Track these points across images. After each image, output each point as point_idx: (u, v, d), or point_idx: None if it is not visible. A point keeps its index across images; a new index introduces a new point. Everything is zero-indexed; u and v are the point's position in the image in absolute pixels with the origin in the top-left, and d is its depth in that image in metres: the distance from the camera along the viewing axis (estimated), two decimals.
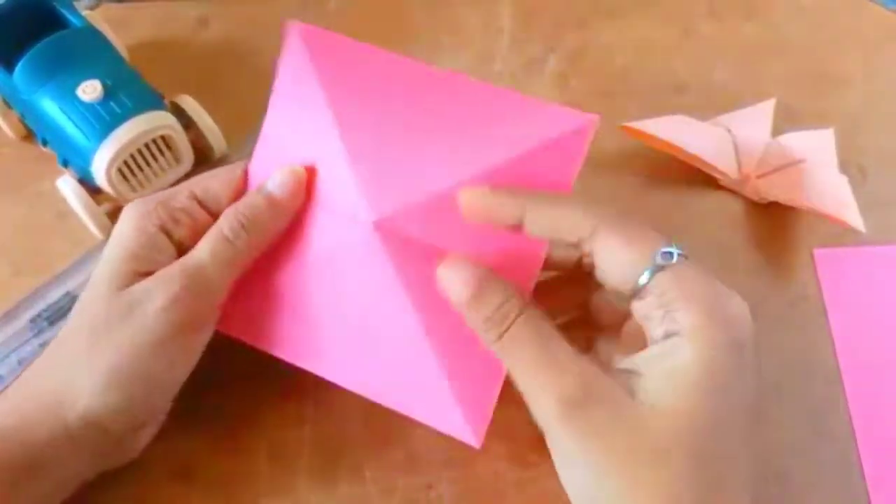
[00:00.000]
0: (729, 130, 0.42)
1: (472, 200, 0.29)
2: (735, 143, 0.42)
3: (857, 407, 0.35)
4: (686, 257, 0.28)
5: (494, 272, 0.28)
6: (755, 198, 0.41)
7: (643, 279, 0.27)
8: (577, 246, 0.29)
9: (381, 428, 0.35)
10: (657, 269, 0.27)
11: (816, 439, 0.35)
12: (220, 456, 0.34)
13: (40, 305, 0.39)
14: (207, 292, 0.31)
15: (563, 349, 0.27)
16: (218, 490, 0.33)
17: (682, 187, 0.42)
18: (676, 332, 0.26)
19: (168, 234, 0.32)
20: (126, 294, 0.30)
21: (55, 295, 0.39)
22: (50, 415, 0.29)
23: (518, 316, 0.27)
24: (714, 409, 0.26)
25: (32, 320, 0.38)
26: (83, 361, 0.30)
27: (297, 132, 0.32)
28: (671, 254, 0.27)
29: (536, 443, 0.34)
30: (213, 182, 0.33)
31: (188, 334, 0.30)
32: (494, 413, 0.35)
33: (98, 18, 0.44)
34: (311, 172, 0.32)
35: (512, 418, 0.35)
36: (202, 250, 0.31)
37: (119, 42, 0.44)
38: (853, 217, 0.39)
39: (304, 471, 0.34)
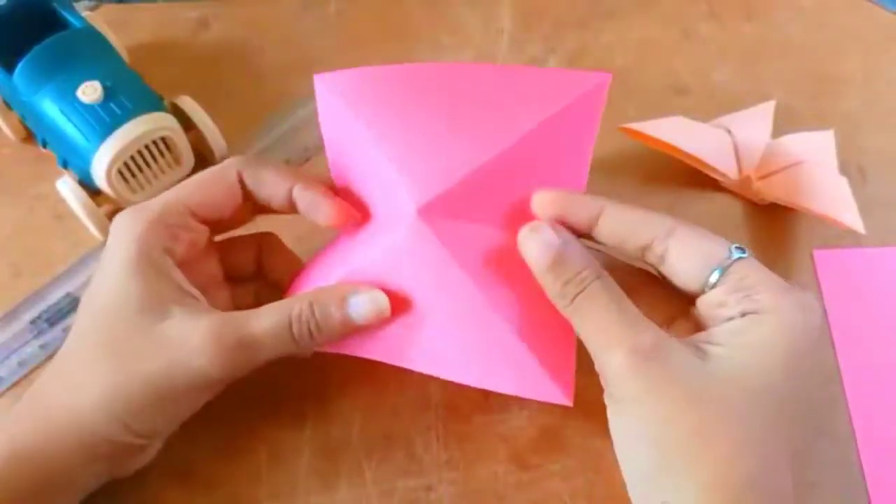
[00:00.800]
0: (729, 132, 0.42)
1: (548, 202, 0.30)
2: (735, 145, 0.42)
3: (857, 407, 0.35)
4: (754, 259, 0.29)
5: (574, 237, 0.30)
6: (755, 199, 0.41)
7: (716, 275, 0.29)
8: (646, 248, 0.30)
9: (381, 429, 0.35)
10: (733, 262, 0.28)
11: (816, 439, 0.35)
12: (220, 457, 0.34)
13: (40, 307, 0.39)
14: (250, 366, 0.30)
15: (636, 311, 0.28)
16: (218, 491, 0.33)
17: (682, 188, 0.42)
18: (756, 311, 0.27)
19: (170, 253, 0.31)
20: (160, 330, 0.29)
21: (55, 296, 0.39)
22: (68, 437, 0.29)
23: (595, 280, 0.29)
24: (780, 386, 0.27)
25: (32, 321, 0.38)
26: (100, 387, 0.29)
27: (352, 165, 0.34)
28: (743, 249, 0.29)
29: (537, 445, 0.34)
30: (202, 194, 0.32)
31: (220, 387, 0.31)
32: (494, 414, 0.35)
33: (98, 19, 0.44)
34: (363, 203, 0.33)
35: (512, 420, 0.35)
36: (262, 330, 0.29)
37: (119, 43, 0.44)
38: (853, 218, 0.39)
39: (304, 472, 0.34)
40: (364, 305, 0.30)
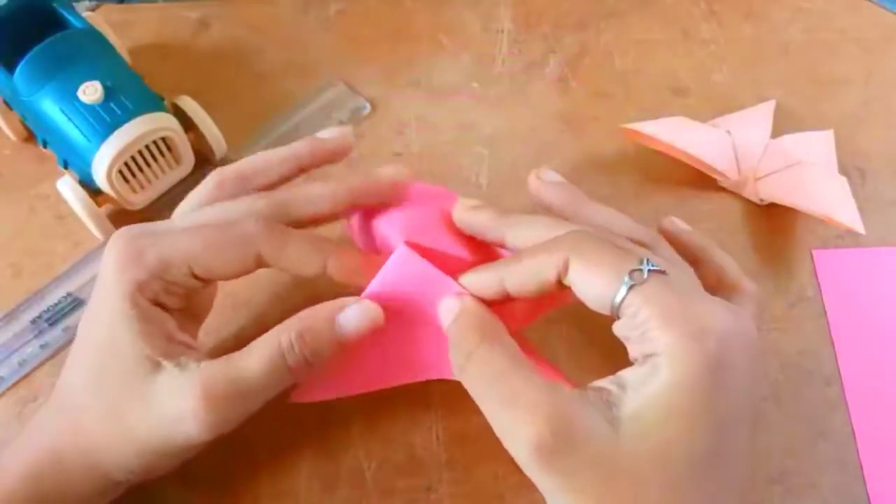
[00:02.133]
0: (728, 132, 0.42)
1: (452, 302, 0.30)
2: (735, 145, 0.42)
3: (856, 407, 0.36)
4: (663, 272, 0.26)
5: (477, 303, 0.29)
6: (755, 199, 0.41)
7: (617, 300, 0.26)
8: (560, 283, 0.28)
9: (381, 429, 0.35)
10: (630, 288, 0.26)
11: (816, 439, 0.35)
12: (220, 457, 0.34)
13: (41, 307, 0.39)
14: (247, 413, 0.29)
15: (527, 382, 0.26)
16: (218, 491, 0.33)
17: (682, 189, 0.42)
18: (653, 353, 0.25)
19: (162, 306, 0.30)
20: (153, 386, 0.28)
21: (56, 296, 0.39)
22: (83, 477, 0.30)
23: (476, 347, 0.27)
24: (690, 438, 0.25)
25: (33, 321, 0.38)
26: (112, 443, 0.29)
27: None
28: (641, 271, 0.26)
29: None
30: (213, 260, 0.30)
31: (219, 433, 0.29)
32: None
33: (99, 20, 0.44)
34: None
35: None
36: (255, 373, 0.28)
37: (120, 43, 0.44)
38: (852, 218, 0.39)
39: (305, 472, 0.34)
40: (355, 317, 0.29)
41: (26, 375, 0.37)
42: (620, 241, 0.29)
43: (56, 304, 0.39)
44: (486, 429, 0.35)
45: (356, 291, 0.31)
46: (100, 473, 0.30)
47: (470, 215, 0.31)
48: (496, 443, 0.34)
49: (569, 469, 0.25)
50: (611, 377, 0.27)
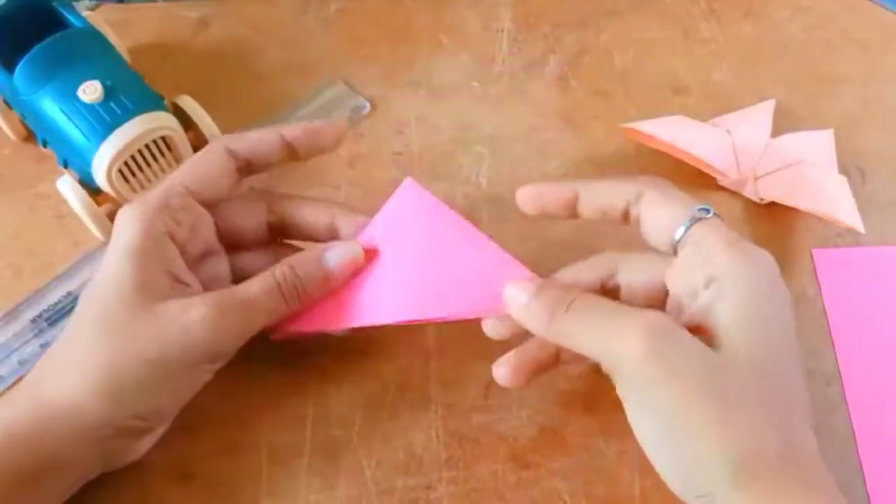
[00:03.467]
0: (728, 131, 0.42)
1: (529, 199, 0.34)
2: (734, 144, 0.42)
3: (857, 407, 0.36)
4: (720, 217, 0.30)
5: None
6: (755, 198, 0.41)
7: (680, 231, 0.30)
8: (625, 215, 0.32)
9: (380, 428, 0.35)
10: (695, 221, 0.30)
11: (816, 439, 0.35)
12: (220, 457, 0.34)
13: (41, 306, 0.39)
14: (247, 332, 0.31)
15: (632, 308, 0.29)
16: (218, 491, 0.33)
17: (682, 188, 0.42)
18: (716, 277, 0.28)
19: (172, 237, 0.32)
20: (158, 309, 0.30)
21: (56, 296, 0.39)
22: (65, 419, 0.29)
23: (580, 295, 0.30)
24: (766, 342, 0.27)
25: (33, 321, 0.38)
26: (99, 367, 0.29)
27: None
28: (707, 209, 0.30)
29: (536, 444, 0.34)
30: (199, 168, 0.33)
31: (218, 361, 0.32)
32: (494, 413, 0.35)
33: (98, 19, 0.44)
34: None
35: (512, 419, 0.35)
36: (254, 294, 0.31)
37: (119, 43, 0.44)
38: (852, 218, 0.39)
39: (305, 472, 0.34)
40: (339, 255, 0.32)
41: (26, 375, 0.37)
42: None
43: (56, 304, 0.39)
44: (487, 429, 0.35)
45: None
46: (81, 413, 0.29)
47: (537, 187, 0.34)
48: (496, 442, 0.35)
49: (677, 357, 0.27)
50: (688, 313, 0.29)
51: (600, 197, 0.32)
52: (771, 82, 0.46)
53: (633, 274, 0.31)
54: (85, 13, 0.43)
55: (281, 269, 0.32)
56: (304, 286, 0.32)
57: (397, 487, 0.34)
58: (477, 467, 0.34)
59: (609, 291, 0.32)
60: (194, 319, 0.30)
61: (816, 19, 0.50)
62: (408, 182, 0.34)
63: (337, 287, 0.33)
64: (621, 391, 0.29)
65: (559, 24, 0.50)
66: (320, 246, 0.33)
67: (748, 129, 0.43)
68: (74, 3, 0.43)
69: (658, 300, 0.31)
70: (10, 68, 0.39)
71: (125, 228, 0.31)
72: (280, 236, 0.36)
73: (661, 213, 0.31)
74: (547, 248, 0.40)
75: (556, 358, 0.33)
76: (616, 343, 0.28)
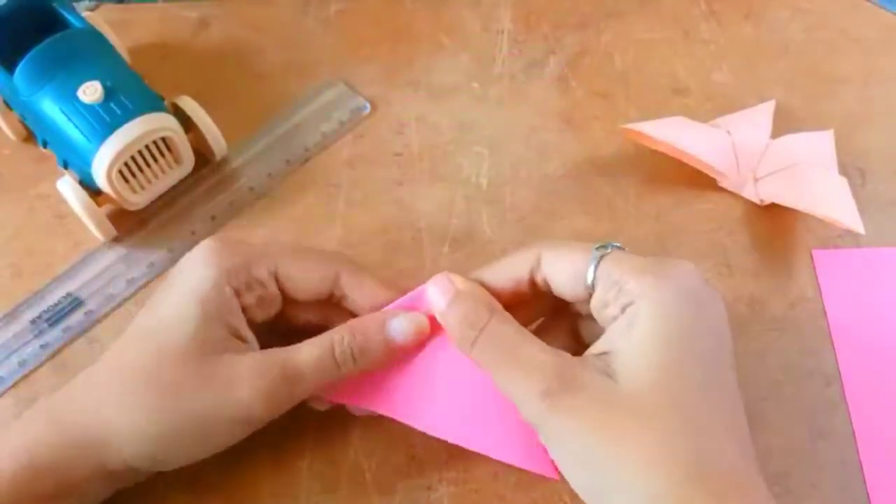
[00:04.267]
0: (728, 132, 0.42)
1: (440, 300, 0.31)
2: (734, 145, 0.42)
3: (857, 407, 0.36)
4: (622, 249, 0.30)
5: (475, 286, 0.32)
6: (755, 199, 0.41)
7: (590, 274, 0.29)
8: (532, 284, 0.31)
9: (381, 431, 0.35)
10: (599, 260, 0.29)
11: (816, 439, 0.35)
12: (222, 459, 0.34)
13: (41, 307, 0.39)
14: (295, 397, 0.31)
15: (535, 347, 0.29)
16: (220, 493, 0.33)
17: (682, 189, 0.42)
18: (630, 301, 0.28)
19: (238, 296, 0.31)
20: (211, 365, 0.29)
21: (55, 296, 0.39)
22: (91, 458, 0.29)
23: (488, 321, 0.30)
24: (679, 360, 0.27)
25: (33, 321, 0.38)
26: (141, 413, 0.29)
27: None
28: (605, 246, 0.30)
29: None
30: (297, 270, 0.32)
31: (260, 424, 0.31)
32: None
33: (98, 20, 0.44)
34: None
35: None
36: (306, 358, 0.30)
37: (119, 43, 0.44)
38: (852, 218, 0.39)
39: (306, 473, 0.34)
40: (404, 325, 0.31)
41: (26, 375, 0.37)
42: None
43: (56, 304, 0.39)
44: None
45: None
46: (108, 451, 0.29)
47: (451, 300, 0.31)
48: None
49: (576, 409, 0.27)
50: (600, 339, 0.29)
51: (500, 278, 0.32)
52: (771, 83, 0.46)
53: (555, 266, 0.31)
54: (85, 13, 0.43)
55: (340, 333, 0.31)
56: (362, 355, 0.31)
57: (397, 488, 0.34)
58: (477, 468, 0.34)
59: (536, 283, 0.31)
60: (240, 386, 0.29)
61: (816, 20, 0.50)
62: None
63: (398, 358, 0.32)
64: (541, 438, 0.29)
65: (559, 24, 0.50)
66: (384, 313, 0.32)
67: (748, 130, 0.43)
68: (74, 4, 0.43)
69: (581, 295, 0.30)
70: (11, 69, 0.39)
71: (199, 268, 0.31)
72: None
73: (563, 265, 0.30)
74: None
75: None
76: (519, 400, 0.28)
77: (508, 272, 0.32)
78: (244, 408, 0.29)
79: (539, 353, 0.28)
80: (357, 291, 0.33)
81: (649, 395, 0.27)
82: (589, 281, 0.29)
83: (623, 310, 0.28)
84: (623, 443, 0.26)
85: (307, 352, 0.31)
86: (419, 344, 0.32)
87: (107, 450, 0.29)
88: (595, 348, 0.29)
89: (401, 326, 0.31)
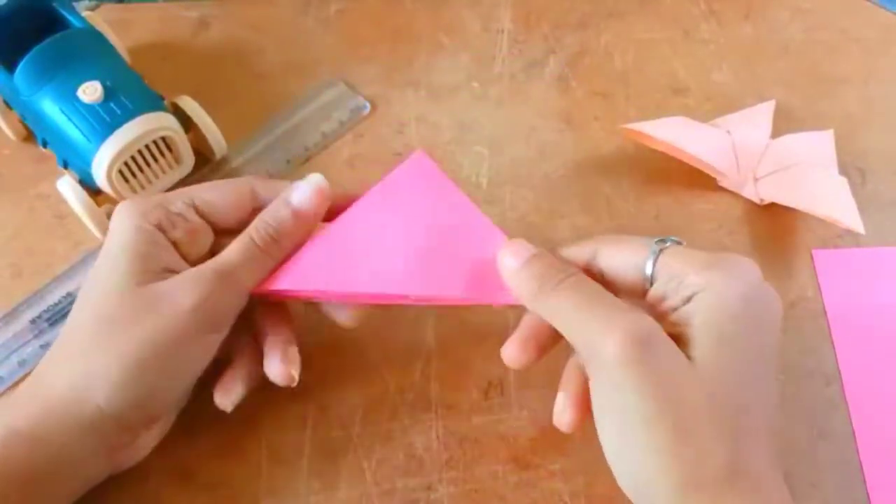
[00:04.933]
0: (728, 132, 0.42)
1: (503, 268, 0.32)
2: (734, 145, 0.42)
3: (857, 407, 0.36)
4: (680, 243, 0.30)
5: (548, 253, 0.32)
6: (755, 199, 0.41)
7: (648, 267, 0.30)
8: (588, 271, 0.31)
9: (381, 429, 0.35)
10: (658, 254, 0.30)
11: (816, 439, 0.35)
12: (220, 458, 0.34)
13: (41, 307, 0.39)
14: (235, 295, 0.32)
15: (619, 302, 0.29)
16: (219, 492, 0.33)
17: (682, 188, 0.42)
18: (693, 294, 0.28)
19: (164, 232, 0.32)
20: (150, 290, 0.30)
21: (55, 296, 0.39)
22: (69, 412, 0.29)
23: (573, 274, 0.30)
24: (732, 356, 0.27)
25: (33, 321, 0.38)
26: (101, 354, 0.30)
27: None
28: (664, 241, 0.30)
29: (537, 445, 0.34)
30: (212, 194, 0.33)
31: (212, 333, 0.31)
32: (494, 414, 0.35)
33: (98, 19, 0.44)
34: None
35: (512, 420, 0.35)
36: (233, 254, 0.32)
37: (119, 43, 0.44)
38: (852, 218, 0.39)
39: (305, 472, 0.34)
40: (302, 190, 0.33)
41: (26, 375, 0.37)
42: None
43: (56, 304, 0.39)
44: (487, 429, 0.35)
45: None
46: (85, 406, 0.29)
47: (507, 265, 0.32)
48: (496, 443, 0.35)
49: (650, 370, 0.27)
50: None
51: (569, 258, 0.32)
52: (771, 83, 0.47)
53: (613, 259, 0.31)
54: (85, 13, 0.43)
55: (253, 224, 0.32)
56: (277, 231, 0.32)
57: (398, 488, 0.34)
58: (477, 468, 0.34)
59: (592, 276, 0.31)
60: (184, 294, 0.30)
61: (816, 20, 0.50)
62: (419, 155, 0.34)
63: (310, 224, 0.33)
64: (592, 384, 0.29)
65: (559, 24, 0.50)
66: (286, 186, 0.33)
67: (748, 130, 0.43)
68: (74, 3, 0.43)
69: (637, 287, 0.31)
70: (11, 68, 0.39)
71: (119, 226, 0.32)
72: None
73: (622, 258, 0.31)
74: (547, 248, 0.40)
75: (556, 332, 0.32)
76: (597, 337, 0.28)
77: (567, 256, 0.32)
78: (188, 318, 0.30)
79: (624, 308, 0.28)
80: (274, 195, 0.33)
81: (708, 385, 0.27)
82: (648, 273, 0.30)
83: (685, 302, 0.28)
84: (673, 437, 0.26)
85: (232, 249, 0.32)
86: (331, 210, 0.33)
87: (81, 401, 0.29)
88: (680, 313, 0.29)
89: (301, 193, 0.33)
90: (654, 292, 0.30)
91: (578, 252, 0.32)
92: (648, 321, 0.28)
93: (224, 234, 0.34)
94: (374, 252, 0.32)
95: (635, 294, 0.31)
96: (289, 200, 0.33)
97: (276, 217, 0.32)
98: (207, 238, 0.34)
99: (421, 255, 0.32)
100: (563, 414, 0.31)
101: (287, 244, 0.32)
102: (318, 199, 0.33)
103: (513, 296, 0.31)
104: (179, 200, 0.33)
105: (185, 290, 0.30)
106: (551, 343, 0.32)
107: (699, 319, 0.28)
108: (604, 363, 0.27)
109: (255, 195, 0.34)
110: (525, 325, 0.32)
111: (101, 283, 0.31)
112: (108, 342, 0.30)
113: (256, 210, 0.33)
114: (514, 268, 0.31)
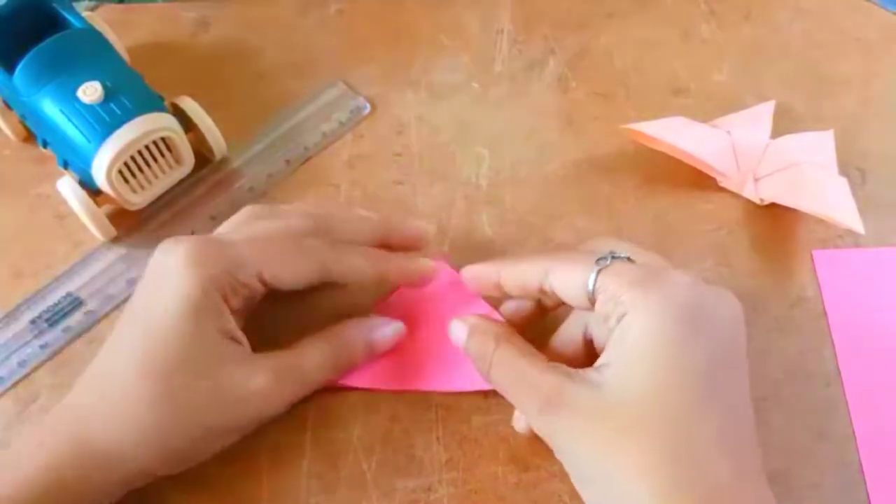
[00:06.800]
0: (728, 132, 0.42)
1: (470, 273, 0.35)
2: (735, 145, 0.42)
3: (856, 407, 0.36)
4: (628, 258, 0.31)
5: (483, 317, 0.34)
6: (755, 199, 0.41)
7: (590, 284, 0.30)
8: (541, 292, 0.32)
9: (381, 431, 0.35)
10: (599, 272, 0.30)
11: (816, 439, 0.35)
12: (221, 459, 0.34)
13: (40, 307, 0.39)
14: (300, 397, 0.34)
15: (535, 368, 0.30)
16: (219, 493, 0.33)
17: (682, 189, 0.42)
18: (624, 313, 0.28)
19: (225, 300, 0.32)
20: (222, 378, 0.31)
21: (55, 296, 0.39)
22: (115, 471, 0.30)
23: (495, 350, 0.32)
24: (669, 373, 0.27)
25: (33, 321, 0.38)
26: (159, 428, 0.30)
27: None
28: (606, 258, 0.30)
29: (537, 445, 0.34)
30: (284, 271, 0.33)
31: (278, 411, 0.33)
32: (494, 414, 0.35)
33: (98, 20, 0.44)
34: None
35: (512, 420, 0.35)
36: (310, 363, 0.33)
37: (119, 43, 0.44)
38: (852, 219, 0.39)
39: (305, 474, 0.34)
40: (386, 335, 0.35)
41: (26, 375, 0.37)
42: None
43: (56, 305, 0.39)
44: (486, 429, 0.35)
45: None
46: (129, 464, 0.30)
47: (472, 272, 0.35)
48: (496, 443, 0.35)
49: (562, 424, 0.28)
50: (604, 351, 0.30)
51: (516, 278, 0.33)
52: (771, 83, 0.46)
53: (559, 279, 0.31)
54: (85, 13, 0.43)
55: (337, 347, 0.34)
56: (352, 363, 0.35)
57: (397, 488, 0.34)
58: (477, 469, 0.34)
59: (546, 293, 0.32)
60: (255, 391, 0.31)
61: (816, 20, 0.50)
62: (440, 263, 0.37)
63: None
64: (542, 437, 0.30)
65: (559, 25, 0.50)
66: (367, 325, 0.35)
67: (748, 130, 0.43)
68: (74, 4, 0.43)
69: (586, 304, 0.31)
70: (11, 69, 0.39)
71: (183, 280, 0.31)
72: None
73: (566, 278, 0.31)
74: (546, 249, 0.40)
75: (542, 307, 0.35)
76: (522, 406, 0.31)
77: (519, 281, 0.33)
78: (258, 411, 0.32)
79: (538, 374, 0.30)
80: (345, 276, 0.34)
81: (637, 408, 0.27)
82: (589, 294, 0.30)
83: (619, 321, 0.29)
84: (611, 455, 0.27)
85: (312, 358, 0.33)
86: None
87: (128, 461, 0.30)
88: (599, 360, 0.29)
89: (382, 339, 0.35)
90: (596, 312, 0.30)
91: (531, 271, 0.32)
92: (554, 384, 0.29)
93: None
94: (413, 353, 0.36)
95: (583, 308, 0.31)
96: (370, 341, 0.35)
97: (354, 353, 0.35)
98: (259, 298, 0.33)
99: (454, 356, 0.35)
100: (519, 420, 0.34)
101: (354, 369, 0.35)
102: (396, 341, 0.35)
103: None
104: (248, 271, 0.32)
105: (257, 390, 0.31)
106: (535, 320, 0.35)
107: (629, 341, 0.28)
108: (541, 431, 0.30)
109: (326, 271, 0.33)
110: (505, 310, 0.35)
111: (162, 348, 0.30)
112: (166, 419, 0.30)
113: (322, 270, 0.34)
114: (462, 341, 0.33)
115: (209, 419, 0.31)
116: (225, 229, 0.35)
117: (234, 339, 0.32)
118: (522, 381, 0.30)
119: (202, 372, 0.30)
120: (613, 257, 0.30)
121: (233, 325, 0.32)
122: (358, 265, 0.34)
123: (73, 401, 0.31)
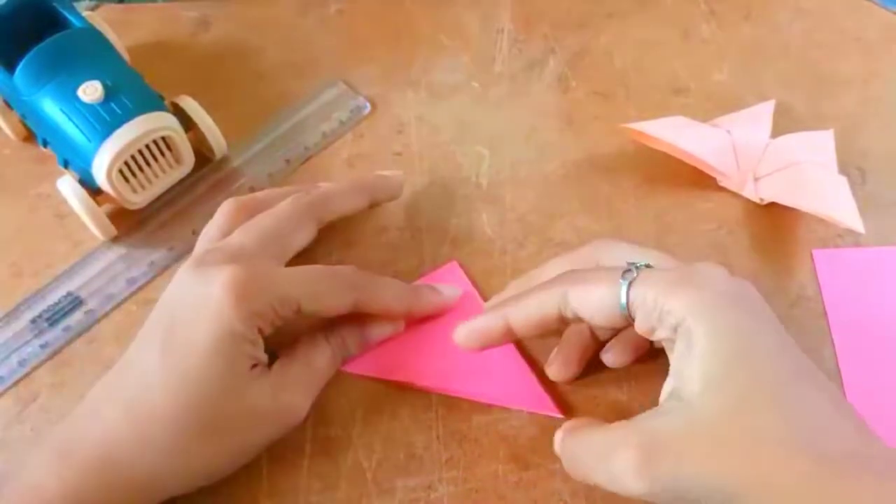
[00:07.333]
0: (728, 132, 0.42)
1: (466, 334, 0.34)
2: (735, 145, 0.42)
3: (857, 407, 0.35)
4: (648, 266, 0.30)
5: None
6: (755, 199, 0.41)
7: (622, 301, 0.29)
8: (562, 320, 0.31)
9: (381, 429, 0.35)
10: (630, 286, 0.29)
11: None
12: None
13: (41, 306, 0.39)
14: (319, 389, 0.35)
15: (614, 431, 0.29)
16: (218, 491, 0.33)
17: (682, 188, 0.42)
18: (679, 321, 0.28)
19: (260, 330, 0.32)
20: (249, 403, 0.31)
21: (56, 296, 0.39)
22: (142, 495, 0.31)
23: (563, 437, 0.31)
24: (751, 363, 0.27)
25: (33, 321, 0.38)
26: (186, 455, 0.31)
27: None
28: (631, 270, 0.29)
29: (536, 444, 0.34)
30: (323, 306, 0.33)
31: (305, 415, 0.34)
32: (495, 414, 0.35)
33: (98, 19, 0.44)
34: None
35: (512, 419, 0.35)
36: (323, 369, 0.35)
37: (119, 43, 0.44)
38: (852, 218, 0.39)
39: (305, 472, 0.34)
40: (379, 335, 0.36)
41: (26, 375, 0.37)
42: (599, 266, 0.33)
43: (56, 304, 0.39)
44: (487, 429, 0.35)
45: None
46: (158, 492, 0.31)
47: (472, 327, 0.34)
48: (496, 442, 0.34)
49: (667, 470, 0.26)
50: (670, 373, 0.29)
51: (528, 316, 0.32)
52: (771, 82, 0.47)
53: (584, 303, 0.30)
54: (85, 13, 0.43)
55: (339, 347, 0.35)
56: (350, 353, 0.36)
57: (397, 488, 0.34)
58: (477, 468, 0.34)
59: (566, 320, 0.31)
60: (283, 408, 0.33)
61: (816, 20, 0.50)
62: (452, 265, 0.39)
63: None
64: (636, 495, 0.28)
65: (559, 24, 0.50)
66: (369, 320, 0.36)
67: (748, 130, 0.43)
68: (74, 3, 0.43)
69: (616, 322, 0.30)
70: (11, 68, 0.39)
71: (229, 310, 0.30)
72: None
73: (590, 298, 0.30)
74: (547, 248, 0.40)
75: (597, 341, 0.35)
76: (616, 479, 0.28)
77: (535, 310, 0.31)
78: (287, 424, 0.33)
79: (619, 432, 0.28)
80: (375, 310, 0.35)
81: (748, 404, 0.26)
82: (623, 310, 0.29)
83: (675, 330, 0.28)
84: (746, 466, 0.25)
85: (322, 359, 0.35)
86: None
87: (157, 486, 0.31)
88: (667, 385, 0.29)
89: (381, 335, 0.36)
90: (640, 326, 0.29)
91: (547, 302, 0.31)
92: (643, 428, 0.27)
93: None
94: (415, 350, 0.36)
95: (616, 328, 0.31)
96: (369, 337, 0.36)
97: (354, 344, 0.36)
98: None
99: (454, 359, 0.35)
100: (551, 365, 0.35)
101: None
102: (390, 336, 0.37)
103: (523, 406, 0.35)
104: (292, 304, 0.32)
105: (287, 407, 0.33)
106: (593, 354, 0.35)
107: (698, 350, 0.27)
108: (633, 489, 0.27)
109: (358, 306, 0.34)
110: (565, 342, 0.35)
111: (195, 378, 0.30)
112: (194, 447, 0.30)
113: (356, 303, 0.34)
114: (558, 447, 0.32)
115: (246, 440, 0.32)
116: (214, 230, 0.35)
117: (259, 361, 0.32)
118: (603, 448, 0.28)
119: (235, 398, 0.31)
120: (636, 267, 0.29)
121: (262, 351, 0.32)
122: (389, 303, 0.35)
123: (98, 424, 0.31)
